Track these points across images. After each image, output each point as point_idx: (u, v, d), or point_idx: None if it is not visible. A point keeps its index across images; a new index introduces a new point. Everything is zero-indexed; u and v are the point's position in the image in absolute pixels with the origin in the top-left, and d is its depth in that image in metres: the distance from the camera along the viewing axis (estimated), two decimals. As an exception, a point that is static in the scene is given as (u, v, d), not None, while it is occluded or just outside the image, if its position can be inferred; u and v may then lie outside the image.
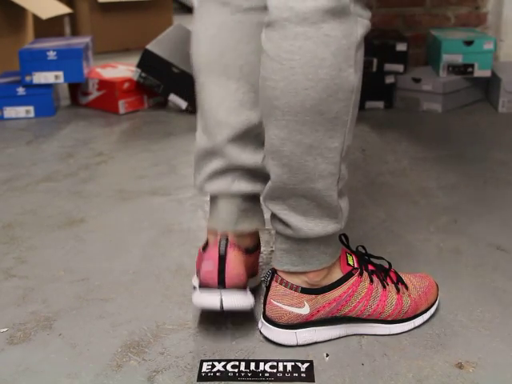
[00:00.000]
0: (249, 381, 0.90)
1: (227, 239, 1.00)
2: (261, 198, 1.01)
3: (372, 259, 1.06)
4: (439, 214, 1.44)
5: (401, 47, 2.31)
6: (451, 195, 1.55)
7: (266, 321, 0.98)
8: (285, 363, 0.93)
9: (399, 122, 2.19)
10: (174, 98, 2.35)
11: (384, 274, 1.02)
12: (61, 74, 2.33)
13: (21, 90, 2.33)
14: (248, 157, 1.00)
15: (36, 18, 3.01)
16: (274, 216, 0.95)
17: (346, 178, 0.93)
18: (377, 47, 2.31)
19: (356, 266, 0.99)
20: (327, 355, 0.95)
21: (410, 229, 1.37)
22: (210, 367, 0.93)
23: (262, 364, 0.93)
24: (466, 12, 2.63)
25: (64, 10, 2.99)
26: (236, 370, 0.92)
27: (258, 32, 0.93)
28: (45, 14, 2.73)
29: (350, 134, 0.90)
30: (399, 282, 1.02)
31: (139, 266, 1.24)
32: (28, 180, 1.72)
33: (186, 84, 2.29)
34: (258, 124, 0.99)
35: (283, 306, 0.96)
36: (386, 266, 1.04)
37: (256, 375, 0.91)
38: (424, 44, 2.63)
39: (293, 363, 0.93)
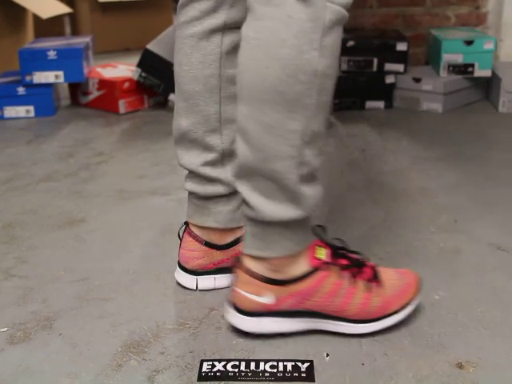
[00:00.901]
0: (249, 381, 0.90)
1: (186, 225, 1.14)
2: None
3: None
4: (439, 214, 1.44)
5: (401, 47, 2.31)
6: (451, 195, 1.55)
7: (231, 307, 1.00)
8: (285, 363, 0.93)
9: (399, 122, 2.19)
10: (174, 97, 2.35)
11: (358, 270, 1.00)
12: (61, 73, 2.33)
13: (21, 90, 2.33)
14: (185, 160, 1.09)
15: (36, 18, 3.02)
16: (242, 199, 0.96)
17: (315, 166, 0.92)
18: (377, 47, 2.31)
19: (326, 260, 0.97)
20: (327, 355, 0.95)
21: (409, 228, 1.37)
22: (210, 367, 0.93)
23: (262, 364, 0.93)
24: (467, 12, 2.63)
25: (64, 9, 2.99)
26: (236, 370, 0.92)
27: (184, 44, 1.02)
28: (45, 14, 2.73)
29: (317, 120, 0.89)
30: (374, 279, 1.00)
31: (139, 265, 1.24)
32: (28, 180, 1.72)
33: (186, 84, 2.29)
34: (187, 130, 1.06)
35: (247, 295, 0.97)
36: (365, 261, 1.02)
37: (256, 375, 0.91)
38: (424, 44, 2.63)
39: (293, 363, 0.93)
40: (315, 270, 0.97)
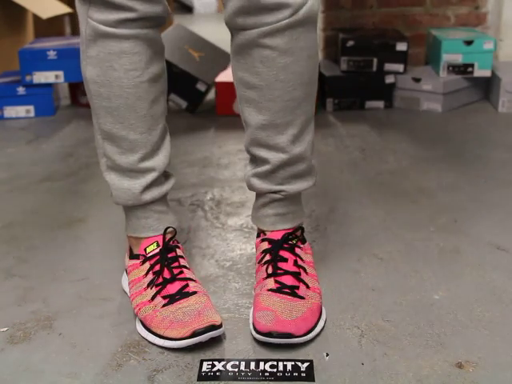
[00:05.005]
0: (249, 380, 0.90)
1: None
2: None
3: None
4: (439, 214, 1.44)
5: (401, 47, 2.31)
6: (451, 195, 1.55)
7: None
8: (285, 363, 0.93)
9: (399, 122, 2.19)
10: (174, 97, 2.35)
11: (164, 280, 1.01)
12: (61, 73, 2.33)
13: (21, 90, 2.33)
14: None
15: (36, 18, 3.02)
16: None
17: (120, 164, 1.03)
18: (377, 47, 2.31)
19: (145, 254, 1.06)
20: (327, 355, 0.95)
21: (409, 228, 1.37)
22: (210, 367, 0.93)
23: (261, 363, 0.93)
24: (466, 12, 2.63)
25: (64, 9, 2.99)
26: (236, 370, 0.92)
27: None
28: (45, 14, 2.73)
29: (103, 121, 1.01)
30: (166, 297, 0.99)
31: (139, 265, 1.24)
32: (28, 180, 1.72)
33: (185, 84, 2.29)
34: None
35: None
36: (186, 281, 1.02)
37: (256, 375, 0.91)
38: (424, 44, 2.63)
39: (293, 363, 0.93)
40: (135, 256, 1.08)
